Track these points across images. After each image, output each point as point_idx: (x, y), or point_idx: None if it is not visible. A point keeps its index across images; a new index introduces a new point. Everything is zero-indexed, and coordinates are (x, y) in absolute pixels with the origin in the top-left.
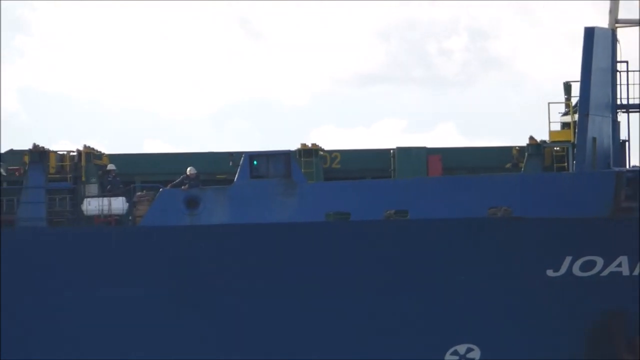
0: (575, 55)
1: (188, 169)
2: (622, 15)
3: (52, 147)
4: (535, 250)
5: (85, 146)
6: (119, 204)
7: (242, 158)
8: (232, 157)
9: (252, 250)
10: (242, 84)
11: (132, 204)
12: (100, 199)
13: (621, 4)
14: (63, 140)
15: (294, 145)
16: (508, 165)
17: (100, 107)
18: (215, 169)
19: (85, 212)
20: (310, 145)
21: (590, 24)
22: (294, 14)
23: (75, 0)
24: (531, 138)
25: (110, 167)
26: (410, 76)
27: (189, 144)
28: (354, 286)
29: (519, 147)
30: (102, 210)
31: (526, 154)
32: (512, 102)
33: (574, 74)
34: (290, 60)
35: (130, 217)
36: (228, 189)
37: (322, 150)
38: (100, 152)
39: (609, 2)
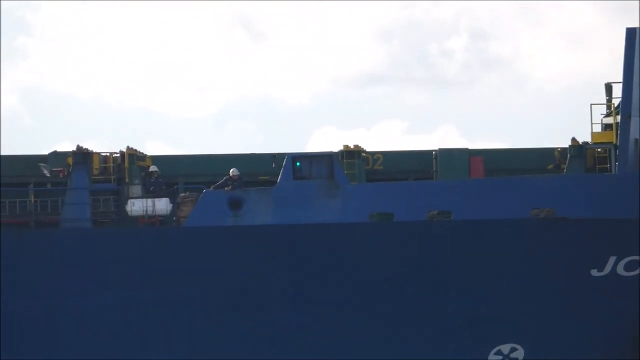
0: (577, 55)
1: (231, 170)
2: None
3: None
4: (579, 250)
5: (128, 147)
6: (162, 205)
7: (285, 159)
8: (275, 159)
9: (295, 251)
10: (243, 84)
11: (176, 205)
12: (144, 199)
13: None
14: (65, 141)
15: (295, 147)
16: (550, 167)
17: (103, 108)
18: (258, 171)
19: (129, 213)
20: (352, 147)
21: (590, 25)
22: (295, 14)
23: (77, 1)
24: (573, 139)
25: (153, 168)
26: (411, 77)
27: (191, 145)
28: (398, 286)
29: (561, 148)
30: (146, 211)
31: (568, 155)
32: (513, 102)
33: (576, 74)
34: (292, 60)
35: (174, 218)
36: (271, 190)
37: (365, 151)
38: (143, 153)
39: (609, 2)
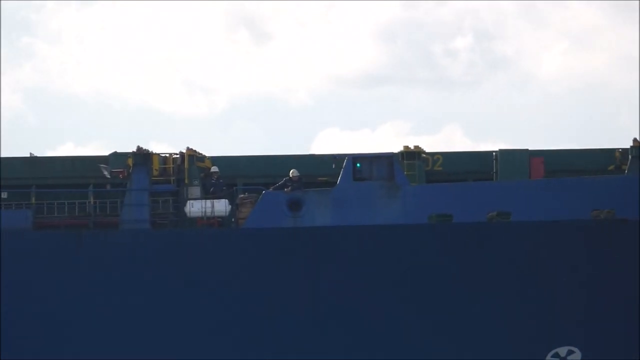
0: (581, 56)
1: (291, 171)
2: None
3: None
4: (638, 252)
5: (188, 148)
6: (221, 206)
7: (345, 160)
8: (335, 160)
9: (354, 253)
10: (246, 85)
11: (235, 206)
12: (203, 201)
13: None
14: (69, 142)
15: (298, 148)
16: (611, 168)
17: (107, 108)
18: (317, 171)
19: (188, 214)
20: (412, 148)
21: (595, 24)
22: (298, 14)
23: (81, 1)
24: (635, 140)
25: (214, 169)
26: (416, 77)
27: (194, 145)
28: (457, 288)
29: (622, 149)
30: (205, 212)
31: (630, 156)
32: (518, 103)
33: (580, 74)
34: (295, 61)
35: (233, 220)
36: (331, 192)
37: (424, 152)
38: (202, 154)
39: (613, 2)
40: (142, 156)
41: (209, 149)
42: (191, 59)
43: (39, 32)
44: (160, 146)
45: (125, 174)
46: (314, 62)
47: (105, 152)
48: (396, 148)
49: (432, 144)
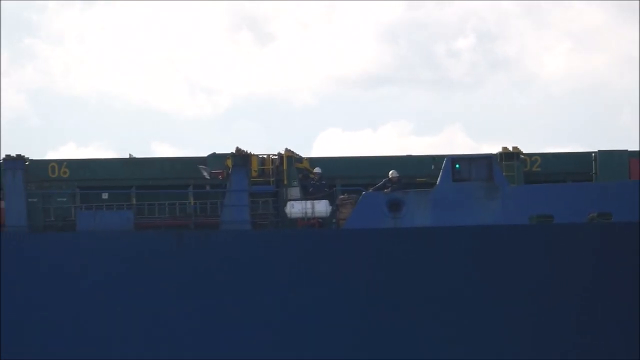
0: (584, 56)
1: (390, 172)
2: None
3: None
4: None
5: (286, 150)
6: (322, 207)
7: (445, 161)
8: (434, 161)
9: (455, 253)
10: (249, 85)
11: (335, 207)
12: (304, 202)
13: None
14: (71, 142)
15: (301, 148)
16: None
17: (109, 109)
18: (415, 172)
19: (288, 215)
20: (511, 148)
21: (597, 25)
22: (301, 15)
23: (83, 1)
24: None
25: (317, 170)
26: (418, 78)
27: (197, 145)
28: (558, 289)
29: None
30: (306, 213)
31: None
32: (520, 103)
33: (582, 75)
34: (297, 61)
35: (333, 220)
36: (430, 192)
37: (523, 153)
38: (300, 155)
39: (616, 2)
40: (241, 157)
41: (209, 150)
42: (193, 59)
43: (41, 33)
44: (163, 147)
45: (225, 175)
46: (316, 63)
47: (108, 154)
48: (400, 149)
49: (433, 145)
